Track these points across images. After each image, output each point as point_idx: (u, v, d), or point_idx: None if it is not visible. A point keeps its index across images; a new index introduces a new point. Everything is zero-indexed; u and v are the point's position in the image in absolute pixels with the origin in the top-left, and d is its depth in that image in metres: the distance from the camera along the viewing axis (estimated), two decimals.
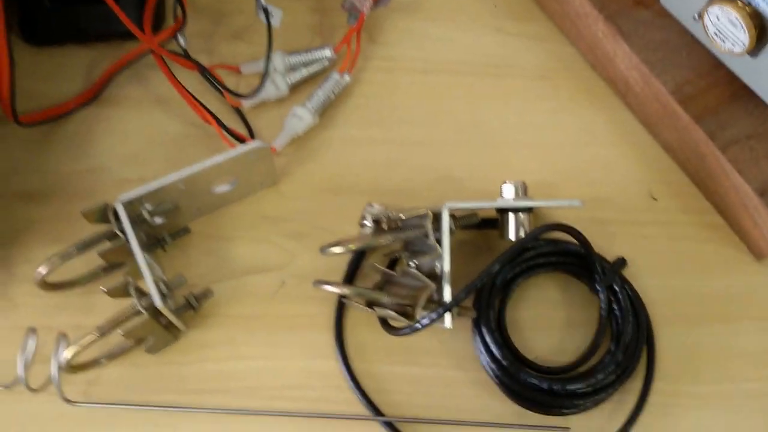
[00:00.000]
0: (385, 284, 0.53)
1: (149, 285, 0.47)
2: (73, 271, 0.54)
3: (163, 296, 0.47)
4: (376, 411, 0.52)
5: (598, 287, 0.52)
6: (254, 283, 0.56)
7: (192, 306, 0.51)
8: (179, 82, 0.57)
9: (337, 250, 0.50)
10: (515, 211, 0.52)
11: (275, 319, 0.55)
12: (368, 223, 0.55)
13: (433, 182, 0.59)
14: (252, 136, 0.59)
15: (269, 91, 0.60)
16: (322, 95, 0.59)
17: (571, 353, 0.54)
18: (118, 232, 0.49)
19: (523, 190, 0.52)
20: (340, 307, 0.55)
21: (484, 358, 0.51)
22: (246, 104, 0.60)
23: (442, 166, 0.59)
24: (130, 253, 0.48)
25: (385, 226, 0.54)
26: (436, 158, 0.59)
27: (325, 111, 0.60)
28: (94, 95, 0.60)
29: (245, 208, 0.58)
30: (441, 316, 0.47)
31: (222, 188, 0.54)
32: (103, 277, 0.54)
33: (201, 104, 0.57)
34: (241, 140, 0.57)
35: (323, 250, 0.50)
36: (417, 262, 0.51)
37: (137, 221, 0.50)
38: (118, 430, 0.52)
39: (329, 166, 0.59)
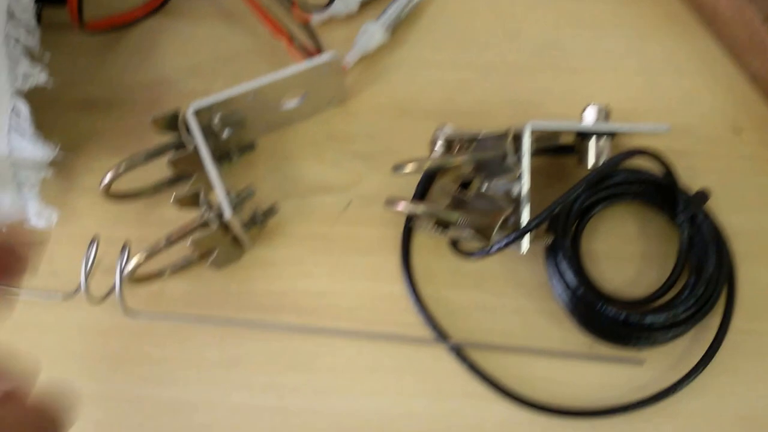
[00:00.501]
0: (455, 208, 0.51)
1: (220, 195, 0.46)
2: (137, 184, 0.53)
3: (233, 208, 0.46)
4: (443, 336, 0.50)
5: (679, 219, 0.49)
6: (320, 203, 0.54)
7: (257, 222, 0.50)
8: None
9: (410, 167, 0.48)
10: (597, 136, 0.49)
11: (341, 240, 0.53)
12: (440, 144, 0.53)
13: (507, 106, 0.56)
14: (320, 52, 0.57)
15: (338, 7, 0.57)
16: (395, 12, 0.56)
17: (647, 287, 0.52)
18: (186, 142, 0.47)
19: (606, 115, 0.49)
20: (408, 229, 0.53)
21: (558, 286, 0.49)
22: (315, 20, 0.57)
23: (516, 90, 0.57)
24: (198, 163, 0.47)
25: (457, 149, 0.52)
26: (510, 82, 0.57)
27: (397, 29, 0.58)
28: (160, 5, 0.58)
29: (312, 126, 0.56)
30: (518, 239, 0.45)
31: (291, 103, 0.52)
32: (168, 189, 0.52)
33: (271, 17, 0.55)
34: (310, 56, 0.55)
35: (396, 167, 0.48)
36: (490, 185, 0.49)
37: (206, 132, 0.48)
38: (180, 344, 0.52)
39: (399, 86, 0.57)
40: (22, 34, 0.46)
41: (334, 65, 0.49)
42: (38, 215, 0.49)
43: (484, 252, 0.46)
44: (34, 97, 0.48)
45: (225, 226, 0.47)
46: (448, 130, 0.53)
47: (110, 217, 0.54)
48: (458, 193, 0.50)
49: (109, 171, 0.48)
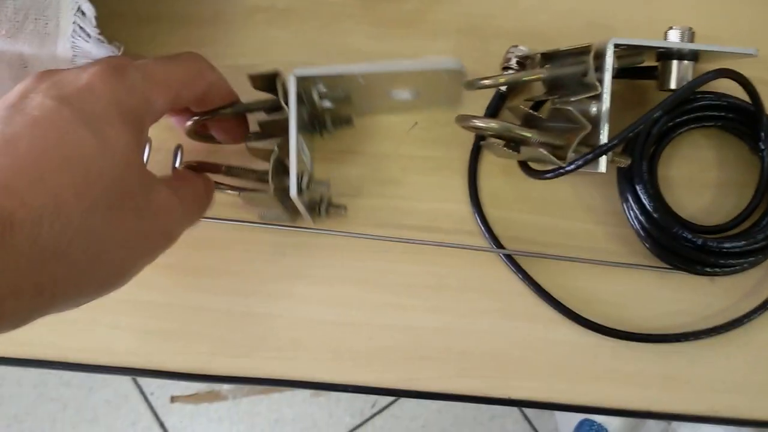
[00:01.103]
0: (528, 127, 0.50)
1: (291, 173, 0.45)
2: None
3: (300, 189, 0.45)
4: (512, 260, 0.49)
5: (762, 147, 0.47)
6: (386, 122, 0.53)
7: (320, 212, 0.49)
8: None
9: (486, 82, 0.46)
10: (679, 58, 0.47)
11: (407, 160, 0.53)
12: (513, 64, 0.51)
13: (581, 29, 0.54)
14: None
15: None
16: None
17: (723, 216, 0.50)
18: (284, 105, 0.46)
19: (690, 37, 0.47)
20: (476, 149, 0.52)
21: (632, 210, 0.48)
22: None
23: (590, 12, 0.55)
24: (286, 131, 0.46)
25: (531, 69, 0.50)
26: (584, 2, 0.54)
27: None
28: None
29: None
30: (596, 158, 0.43)
31: (401, 94, 0.50)
32: (252, 140, 0.51)
33: None
34: None
35: (470, 84, 0.47)
36: (566, 104, 0.47)
37: (304, 100, 0.47)
38: (247, 255, 0.52)
39: (470, 5, 0.55)
40: None
41: (458, 75, 0.46)
42: None
43: (559, 171, 0.45)
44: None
45: (286, 197, 0.46)
46: (522, 49, 0.51)
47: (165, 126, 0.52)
48: (532, 113, 0.48)
49: (195, 115, 0.47)
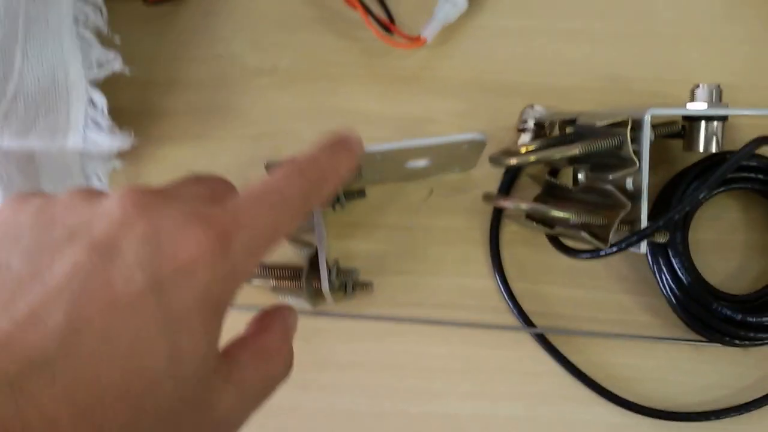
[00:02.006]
0: (549, 198, 0.47)
1: (321, 268, 0.43)
2: None
3: (331, 282, 0.43)
4: (543, 339, 0.47)
5: None
6: (400, 191, 0.50)
7: (346, 292, 0.47)
8: None
9: (512, 161, 0.43)
10: (707, 118, 0.45)
11: (424, 232, 0.50)
12: (530, 126, 0.48)
13: (596, 81, 0.52)
14: (393, 22, 0.52)
15: None
16: None
17: (753, 279, 0.48)
18: None
19: (718, 95, 0.45)
20: (496, 220, 0.49)
21: (667, 282, 0.46)
22: None
23: (606, 63, 0.52)
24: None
25: (548, 132, 0.48)
26: (598, 53, 0.52)
27: None
28: None
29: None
30: (639, 241, 0.41)
31: (416, 164, 0.47)
32: None
33: None
34: (385, 27, 0.50)
35: (494, 159, 0.44)
36: (597, 177, 0.45)
37: None
38: None
39: (477, 60, 0.52)
40: (90, 13, 0.41)
41: (479, 145, 0.44)
42: None
43: (599, 253, 0.42)
44: None
45: (312, 282, 0.44)
46: (539, 110, 0.49)
47: None
48: (562, 184, 0.46)
49: None
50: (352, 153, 0.33)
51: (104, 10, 0.43)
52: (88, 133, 0.41)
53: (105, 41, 0.44)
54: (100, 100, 0.41)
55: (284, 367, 0.31)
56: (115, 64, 0.42)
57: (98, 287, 0.23)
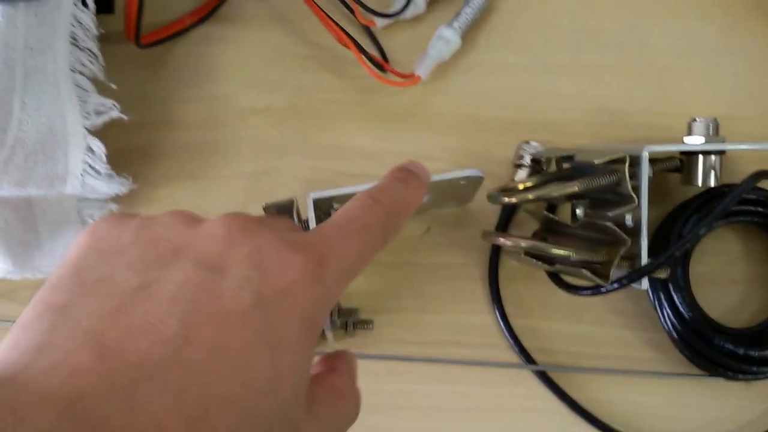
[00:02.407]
0: (547, 233, 0.47)
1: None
2: None
3: (333, 323, 0.43)
4: (546, 377, 0.47)
5: None
6: None
7: (347, 330, 0.46)
8: None
9: (511, 200, 0.43)
10: (705, 153, 0.45)
11: (422, 269, 0.50)
12: (526, 162, 0.48)
13: (592, 115, 0.52)
14: (386, 60, 0.52)
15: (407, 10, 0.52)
16: (470, 14, 0.51)
17: (753, 313, 0.48)
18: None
19: (715, 129, 0.45)
20: (495, 256, 0.49)
21: (669, 318, 0.46)
22: (380, 24, 0.52)
23: (598, 96, 0.52)
24: None
25: (545, 167, 0.48)
26: (591, 87, 0.52)
27: (466, 30, 0.53)
28: (211, 11, 0.52)
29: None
30: (640, 278, 0.41)
31: None
32: None
33: (336, 24, 0.50)
34: (378, 65, 0.50)
35: (493, 197, 0.44)
36: (595, 213, 0.45)
37: (319, 219, 0.44)
38: None
39: (471, 96, 0.52)
40: (87, 61, 0.41)
41: (477, 181, 0.44)
42: None
43: (600, 290, 0.42)
44: None
45: None
46: (535, 146, 0.49)
47: None
48: (560, 220, 0.45)
49: None
50: (422, 183, 0.35)
51: (100, 57, 0.43)
52: (87, 180, 0.41)
53: (101, 87, 0.43)
54: (99, 147, 0.41)
55: (355, 408, 0.32)
56: (112, 111, 0.41)
57: (208, 301, 0.24)
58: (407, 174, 0.34)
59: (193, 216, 0.28)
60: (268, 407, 0.24)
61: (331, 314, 0.43)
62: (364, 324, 0.47)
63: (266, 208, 0.42)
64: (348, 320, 0.46)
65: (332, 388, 0.30)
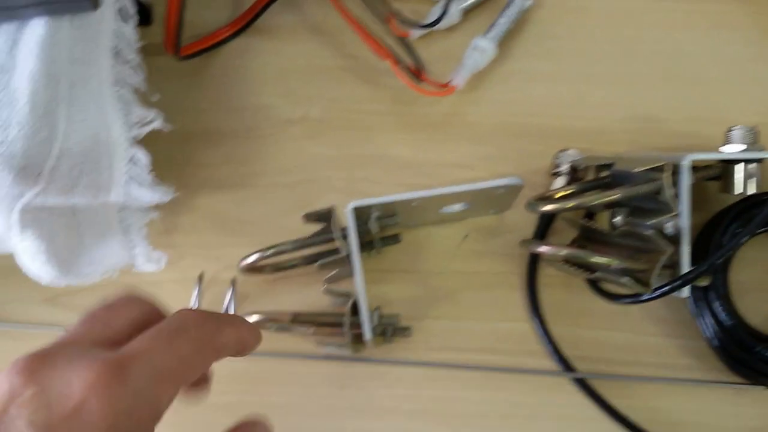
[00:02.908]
0: (585, 242, 0.47)
1: (364, 315, 0.44)
2: None
3: (373, 329, 0.44)
4: (584, 383, 0.48)
5: None
6: (434, 236, 0.51)
7: (386, 336, 0.47)
8: (348, 11, 0.50)
9: (550, 208, 0.43)
10: (745, 161, 0.45)
11: (460, 276, 0.50)
12: (564, 170, 0.48)
13: (628, 123, 0.52)
14: (421, 70, 0.52)
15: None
16: (506, 24, 0.52)
17: None
18: (336, 238, 0.45)
19: (755, 136, 0.45)
20: (533, 263, 0.49)
21: (709, 326, 0.46)
22: (415, 34, 0.53)
23: (635, 105, 0.52)
24: (345, 262, 0.45)
25: (583, 176, 0.48)
26: (627, 95, 0.52)
27: (502, 40, 0.53)
28: (247, 23, 0.53)
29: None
30: (683, 286, 0.41)
31: (452, 209, 0.48)
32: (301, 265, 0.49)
33: (372, 35, 0.50)
34: (414, 76, 0.50)
35: (532, 206, 0.44)
36: (635, 221, 0.44)
37: (357, 227, 0.46)
38: (297, 386, 0.49)
39: (507, 104, 0.53)
40: (129, 73, 0.41)
41: (516, 189, 0.44)
42: (147, 259, 0.45)
43: (641, 298, 0.42)
44: None
45: (356, 334, 0.45)
46: (573, 154, 0.49)
47: (213, 256, 0.49)
48: (600, 228, 0.45)
49: (254, 253, 0.46)
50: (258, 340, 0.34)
51: (142, 69, 0.44)
52: (130, 189, 0.42)
53: (143, 98, 0.44)
54: (143, 157, 0.42)
55: None
56: (155, 122, 0.42)
57: None
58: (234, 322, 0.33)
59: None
60: None
61: (370, 320, 0.43)
62: (403, 331, 0.47)
63: (306, 217, 0.43)
64: (387, 327, 0.46)
65: None
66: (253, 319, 0.46)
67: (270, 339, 0.48)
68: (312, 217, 0.44)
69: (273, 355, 0.48)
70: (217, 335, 0.31)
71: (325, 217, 0.44)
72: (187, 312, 0.30)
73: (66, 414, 0.25)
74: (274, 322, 0.46)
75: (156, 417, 0.27)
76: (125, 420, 0.26)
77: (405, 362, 0.48)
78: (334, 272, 0.46)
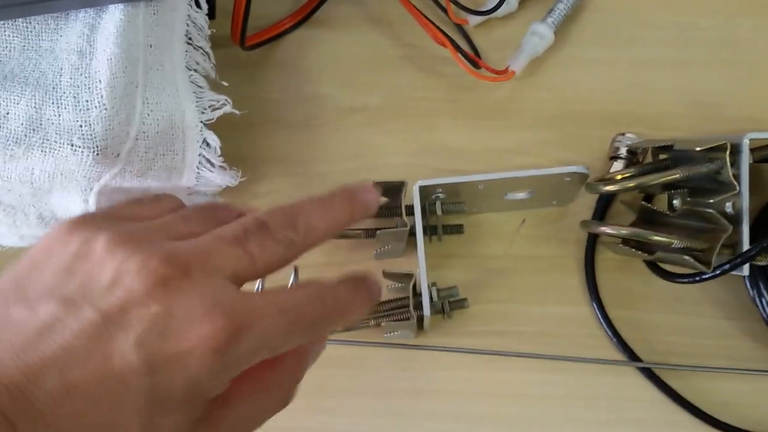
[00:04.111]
0: (644, 224, 0.48)
1: (424, 294, 0.45)
2: None
3: (432, 302, 0.45)
4: (639, 360, 0.48)
5: None
6: (492, 222, 0.51)
7: (444, 312, 0.48)
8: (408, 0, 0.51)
9: (611, 188, 0.44)
10: None
11: (518, 261, 0.51)
12: (622, 154, 0.49)
13: (683, 108, 0.52)
14: (479, 57, 0.53)
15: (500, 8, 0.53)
16: (564, 10, 0.52)
17: None
18: (402, 214, 0.47)
19: None
20: (591, 247, 0.49)
21: (767, 307, 0.45)
22: (473, 22, 0.54)
23: (691, 90, 0.53)
24: (402, 239, 0.47)
25: (641, 159, 0.48)
26: (685, 81, 0.53)
27: (558, 28, 0.53)
28: (308, 14, 0.54)
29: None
30: (743, 264, 0.41)
31: (515, 196, 0.49)
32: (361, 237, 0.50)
33: (432, 23, 0.51)
34: (472, 62, 0.51)
35: (592, 187, 0.44)
36: (696, 201, 0.45)
37: (426, 209, 0.47)
38: (361, 372, 0.50)
39: (564, 90, 0.53)
40: (201, 60, 0.43)
41: (581, 178, 0.45)
42: None
43: (703, 277, 0.42)
44: None
45: (419, 314, 0.45)
46: (632, 138, 0.49)
47: None
48: (651, 209, 0.46)
49: None
50: (371, 296, 0.32)
51: (212, 56, 0.45)
52: (202, 172, 0.43)
53: (213, 85, 0.46)
54: (214, 140, 0.43)
55: (280, 401, 0.31)
56: (225, 107, 0.44)
57: (97, 356, 0.24)
58: (361, 283, 0.32)
59: (131, 248, 0.27)
60: None
61: (431, 297, 0.45)
62: (461, 302, 0.48)
63: (376, 185, 0.44)
64: (445, 302, 0.47)
65: (258, 382, 0.30)
66: None
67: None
68: (381, 186, 0.45)
69: (338, 342, 0.49)
70: (324, 328, 0.31)
71: (395, 189, 0.45)
72: (309, 301, 0.29)
73: (170, 356, 0.25)
74: None
75: (228, 380, 0.28)
76: (214, 383, 0.26)
77: (465, 350, 0.49)
78: (386, 247, 0.47)
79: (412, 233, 0.45)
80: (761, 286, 0.46)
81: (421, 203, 0.45)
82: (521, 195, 0.48)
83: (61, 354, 0.24)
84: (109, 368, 0.24)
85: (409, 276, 0.45)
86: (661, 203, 0.49)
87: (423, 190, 0.45)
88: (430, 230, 0.49)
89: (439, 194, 0.46)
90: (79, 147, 0.38)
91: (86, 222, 0.29)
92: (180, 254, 0.27)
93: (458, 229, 0.50)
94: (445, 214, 0.48)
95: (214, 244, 0.28)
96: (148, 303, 0.25)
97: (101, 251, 0.27)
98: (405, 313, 0.45)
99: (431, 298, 0.45)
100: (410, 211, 0.45)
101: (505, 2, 0.53)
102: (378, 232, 0.46)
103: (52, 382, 0.24)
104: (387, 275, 0.46)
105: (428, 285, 0.45)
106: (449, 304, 0.47)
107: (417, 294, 0.45)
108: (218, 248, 0.28)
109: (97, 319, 0.25)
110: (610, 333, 0.48)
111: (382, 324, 0.46)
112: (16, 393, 0.23)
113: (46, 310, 0.26)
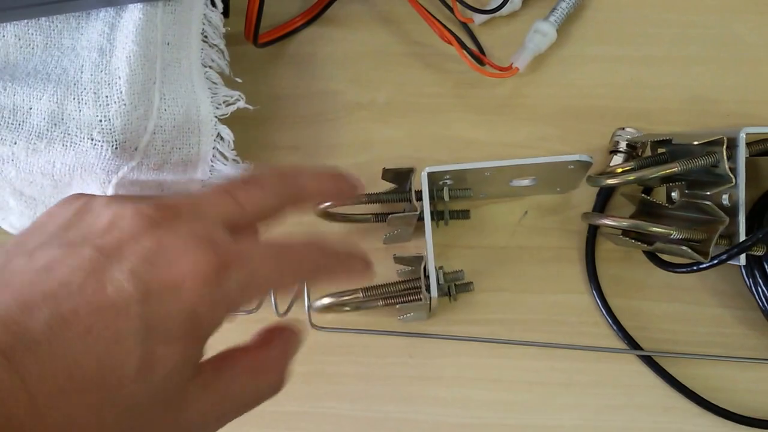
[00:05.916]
0: (644, 216, 0.49)
1: (431, 274, 0.46)
2: None
3: (439, 285, 0.46)
4: (638, 347, 0.50)
5: None
6: (494, 212, 0.53)
7: (450, 295, 0.49)
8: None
9: (612, 182, 0.46)
10: None
11: (520, 251, 0.52)
12: (622, 148, 0.50)
13: (682, 104, 0.54)
14: (484, 54, 0.55)
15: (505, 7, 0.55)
16: (566, 8, 0.54)
17: None
18: (410, 199, 0.49)
19: None
20: (591, 237, 0.51)
21: (763, 295, 0.47)
22: (478, 20, 0.55)
23: (690, 87, 0.54)
24: (411, 223, 0.48)
25: (640, 153, 0.50)
26: (683, 78, 0.54)
27: (561, 26, 0.55)
28: (319, 13, 0.56)
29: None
30: (739, 254, 0.43)
31: (520, 183, 0.50)
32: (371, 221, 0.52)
33: (439, 21, 0.53)
34: (477, 59, 0.53)
35: (593, 180, 0.46)
36: (693, 194, 0.46)
37: (433, 195, 0.49)
38: (367, 359, 0.52)
39: (566, 87, 0.55)
40: (215, 57, 0.45)
41: (585, 166, 0.46)
42: None
43: (700, 266, 0.44)
44: None
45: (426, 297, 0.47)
46: (631, 132, 0.51)
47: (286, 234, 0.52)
48: (650, 201, 0.48)
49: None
50: (366, 269, 0.34)
51: (227, 54, 0.47)
52: (215, 165, 0.45)
53: (228, 82, 0.47)
54: (228, 134, 0.45)
55: (275, 384, 0.32)
56: (239, 102, 0.45)
57: (92, 288, 0.26)
58: (350, 250, 0.34)
59: (122, 202, 0.29)
60: (133, 391, 0.26)
61: (438, 280, 0.46)
62: (466, 286, 0.50)
63: (385, 172, 0.46)
64: (451, 284, 0.49)
65: (253, 364, 0.31)
66: (325, 302, 0.48)
67: (341, 315, 0.51)
68: (390, 173, 0.46)
69: (346, 330, 0.51)
70: (318, 277, 0.34)
71: (403, 175, 0.47)
72: (314, 248, 0.32)
73: (163, 284, 0.26)
74: (348, 301, 0.49)
75: (222, 322, 0.29)
76: (206, 316, 0.28)
77: (468, 339, 0.50)
78: (396, 232, 0.49)
79: (421, 218, 0.47)
80: (757, 275, 0.48)
81: (429, 189, 0.46)
82: (526, 182, 0.49)
83: (58, 288, 0.26)
84: (104, 297, 0.26)
85: (419, 258, 0.47)
86: (659, 196, 0.50)
87: (431, 176, 0.46)
88: (437, 215, 0.51)
89: (447, 180, 0.48)
90: (99, 141, 0.40)
91: (85, 193, 0.32)
92: (171, 202, 0.29)
93: (465, 215, 0.52)
94: (452, 199, 0.49)
95: (204, 193, 0.31)
96: (140, 239, 0.27)
97: (99, 206, 0.30)
98: (417, 294, 0.47)
99: (438, 281, 0.46)
100: (419, 196, 0.47)
101: (509, 1, 0.54)
102: (389, 216, 0.48)
103: (47, 313, 0.25)
104: (397, 259, 0.48)
105: (435, 268, 0.46)
106: (455, 287, 0.48)
107: (426, 277, 0.47)
108: (207, 196, 0.31)
109: (93, 255, 0.26)
110: (610, 321, 0.50)
111: (397, 306, 0.47)
112: (10, 324, 0.25)
113: (47, 254, 0.27)
